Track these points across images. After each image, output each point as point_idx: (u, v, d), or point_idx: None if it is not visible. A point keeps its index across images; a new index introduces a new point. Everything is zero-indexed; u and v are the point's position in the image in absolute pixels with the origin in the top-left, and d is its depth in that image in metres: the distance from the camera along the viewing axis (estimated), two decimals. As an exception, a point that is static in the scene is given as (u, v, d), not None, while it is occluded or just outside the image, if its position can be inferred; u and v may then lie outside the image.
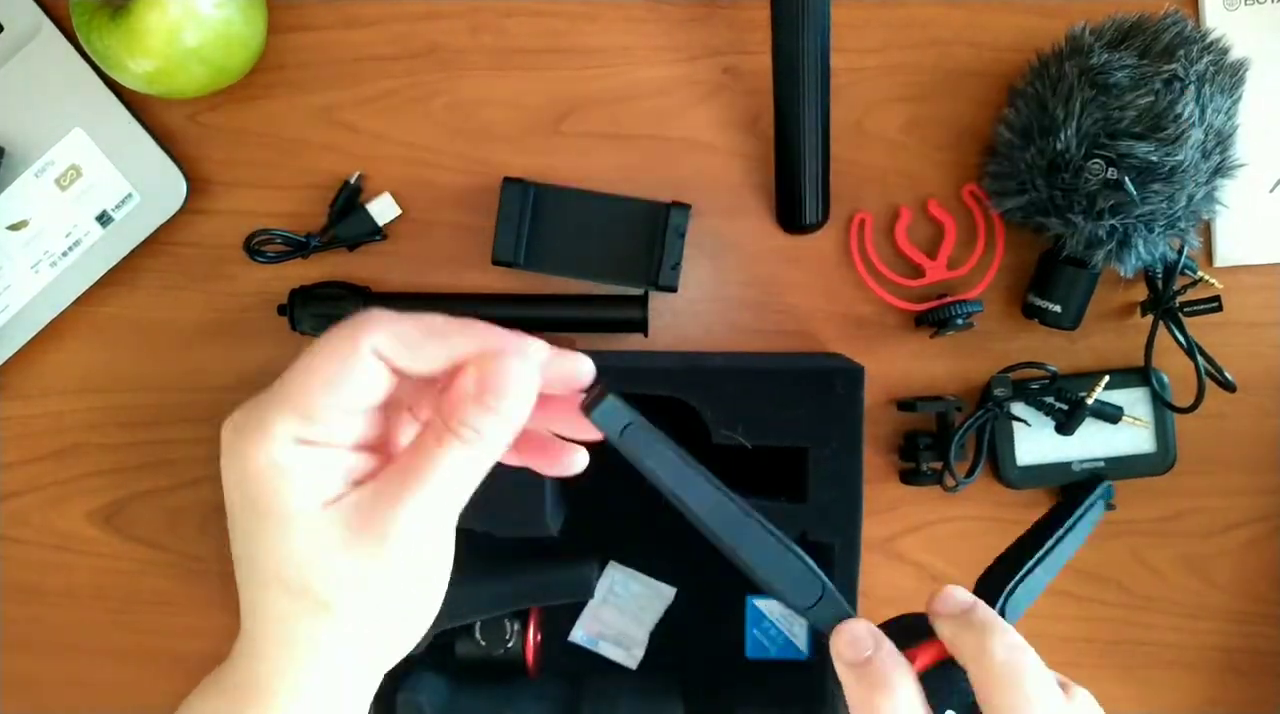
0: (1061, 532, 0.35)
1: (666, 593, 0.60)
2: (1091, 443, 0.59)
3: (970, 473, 0.58)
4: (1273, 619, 0.62)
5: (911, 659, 0.32)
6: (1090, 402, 0.57)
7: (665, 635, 0.60)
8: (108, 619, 0.62)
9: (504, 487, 0.34)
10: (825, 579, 0.32)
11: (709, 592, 0.60)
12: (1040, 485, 0.60)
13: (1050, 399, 0.58)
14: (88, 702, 0.62)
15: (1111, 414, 0.57)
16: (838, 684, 0.32)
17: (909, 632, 0.33)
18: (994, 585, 0.34)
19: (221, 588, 0.62)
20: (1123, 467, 0.59)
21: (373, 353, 0.30)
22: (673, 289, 0.57)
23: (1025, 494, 0.60)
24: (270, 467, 0.29)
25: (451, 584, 0.33)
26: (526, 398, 0.30)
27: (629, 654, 0.60)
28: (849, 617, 0.32)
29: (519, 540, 0.53)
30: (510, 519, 0.46)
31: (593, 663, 0.60)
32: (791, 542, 0.33)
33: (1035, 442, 0.59)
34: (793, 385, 0.52)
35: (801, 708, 0.57)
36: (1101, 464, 0.59)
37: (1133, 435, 0.59)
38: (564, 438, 0.35)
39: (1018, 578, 0.34)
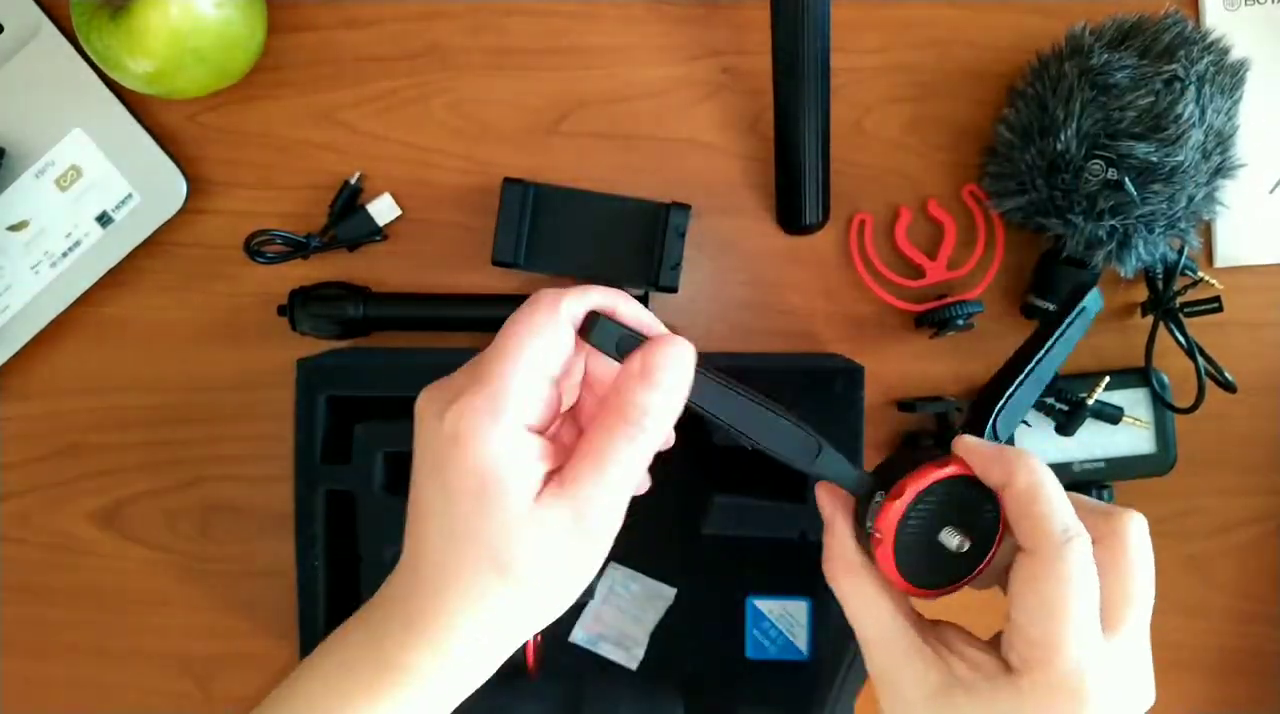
0: (1047, 347, 0.37)
1: (666, 593, 0.60)
2: (1092, 444, 0.59)
3: (970, 473, 0.58)
4: (1273, 619, 0.62)
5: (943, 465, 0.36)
6: (1091, 402, 0.57)
7: (665, 635, 0.60)
8: (108, 619, 0.62)
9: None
10: (820, 437, 0.36)
11: (709, 592, 0.60)
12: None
13: (1050, 400, 0.58)
14: (88, 702, 0.62)
15: (1112, 415, 0.57)
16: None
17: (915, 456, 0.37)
18: (984, 409, 0.37)
19: (221, 588, 0.62)
20: (1123, 467, 0.59)
21: (570, 320, 0.33)
22: (673, 289, 0.57)
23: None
24: (503, 452, 0.32)
25: None
26: (685, 376, 0.33)
27: (629, 654, 0.60)
28: (849, 464, 0.36)
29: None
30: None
31: (593, 663, 0.60)
32: (783, 411, 0.36)
33: (1035, 443, 0.59)
34: (793, 385, 0.52)
35: (801, 708, 0.57)
36: (1102, 465, 0.59)
37: (1133, 436, 0.59)
38: None
39: (1002, 401, 0.37)
